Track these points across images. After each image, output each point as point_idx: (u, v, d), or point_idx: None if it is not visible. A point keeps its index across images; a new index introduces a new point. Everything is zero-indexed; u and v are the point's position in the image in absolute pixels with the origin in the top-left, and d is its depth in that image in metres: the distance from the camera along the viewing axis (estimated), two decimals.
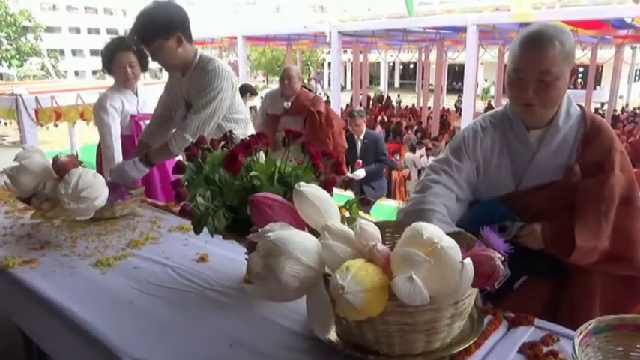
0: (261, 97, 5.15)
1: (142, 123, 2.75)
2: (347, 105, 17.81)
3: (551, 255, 1.34)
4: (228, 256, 1.56)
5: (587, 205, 1.32)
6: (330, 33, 10.35)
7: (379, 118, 16.30)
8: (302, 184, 1.04)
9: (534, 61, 1.25)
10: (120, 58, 2.58)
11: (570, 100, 1.39)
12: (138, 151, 2.26)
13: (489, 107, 15.65)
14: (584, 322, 0.92)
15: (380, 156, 4.65)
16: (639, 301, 1.39)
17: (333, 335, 1.03)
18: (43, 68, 25.28)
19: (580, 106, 1.42)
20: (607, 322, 0.95)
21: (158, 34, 1.95)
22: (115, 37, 2.76)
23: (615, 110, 16.50)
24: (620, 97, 19.45)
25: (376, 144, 4.66)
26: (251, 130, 2.33)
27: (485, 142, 1.44)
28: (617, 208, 1.32)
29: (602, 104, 18.56)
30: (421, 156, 9.98)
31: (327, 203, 1.04)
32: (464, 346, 1.00)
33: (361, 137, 4.67)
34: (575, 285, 1.37)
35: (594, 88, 16.23)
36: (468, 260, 0.85)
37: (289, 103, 4.04)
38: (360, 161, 4.62)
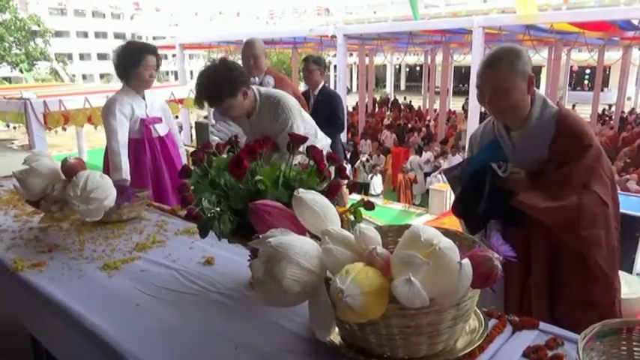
0: None
1: (151, 127, 2.77)
2: (353, 108, 17.81)
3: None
4: (234, 259, 1.57)
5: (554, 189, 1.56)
6: (335, 36, 10.38)
7: (385, 120, 16.28)
8: (301, 190, 1.06)
9: (487, 80, 1.57)
10: (149, 59, 2.59)
11: (545, 103, 1.63)
12: None
13: None
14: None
15: (333, 117, 3.85)
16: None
17: (337, 339, 1.04)
18: (51, 72, 25.45)
19: (559, 106, 1.65)
20: (611, 326, 0.96)
21: (226, 94, 2.05)
22: (130, 40, 2.75)
23: (623, 112, 16.38)
24: (628, 98, 19.32)
25: (331, 102, 3.91)
26: (320, 137, 2.48)
27: (484, 140, 1.77)
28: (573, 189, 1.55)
29: (610, 106, 18.43)
30: (428, 159, 9.95)
31: (326, 208, 1.05)
32: (468, 350, 1.00)
33: (316, 93, 3.93)
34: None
35: (602, 90, 16.10)
36: (465, 261, 0.86)
37: (257, 79, 3.33)
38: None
